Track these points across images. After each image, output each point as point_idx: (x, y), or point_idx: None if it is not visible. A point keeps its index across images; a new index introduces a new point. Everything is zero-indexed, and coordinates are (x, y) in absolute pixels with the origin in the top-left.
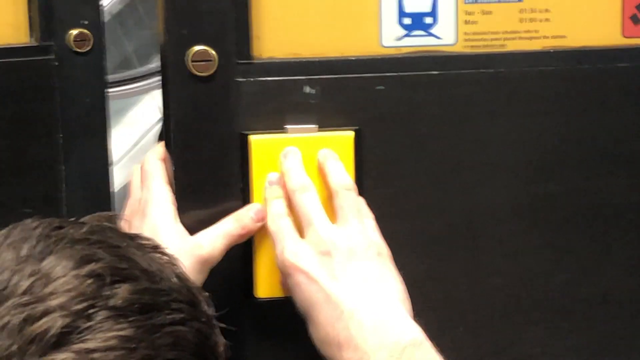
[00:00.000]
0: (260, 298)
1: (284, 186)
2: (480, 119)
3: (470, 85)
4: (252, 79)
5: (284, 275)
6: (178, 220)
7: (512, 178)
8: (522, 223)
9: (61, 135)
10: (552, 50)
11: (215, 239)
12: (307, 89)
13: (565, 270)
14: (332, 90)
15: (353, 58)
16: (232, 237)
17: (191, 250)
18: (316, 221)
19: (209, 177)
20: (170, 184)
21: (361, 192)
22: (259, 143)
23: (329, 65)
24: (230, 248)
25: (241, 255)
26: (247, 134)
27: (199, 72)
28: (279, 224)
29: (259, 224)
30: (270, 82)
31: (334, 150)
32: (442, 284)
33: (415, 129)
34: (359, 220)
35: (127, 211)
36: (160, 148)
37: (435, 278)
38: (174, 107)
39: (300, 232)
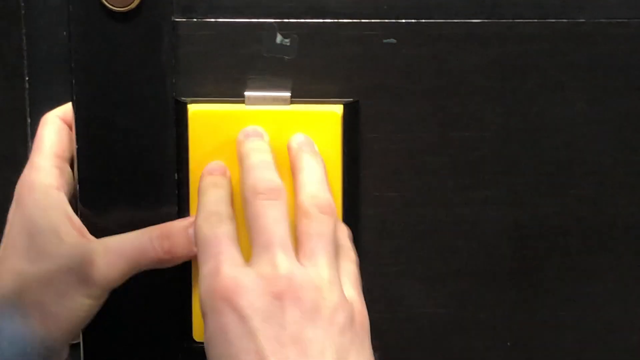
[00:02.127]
0: (199, 342)
1: (229, 176)
2: (548, 94)
3: (532, 42)
4: (196, 20)
5: (205, 308)
6: (69, 214)
7: (583, 188)
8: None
9: (27, 80)
10: None
11: (118, 258)
12: (279, 39)
13: None
14: (316, 42)
15: None
16: (147, 261)
17: (76, 267)
18: (278, 246)
19: (129, 159)
20: (72, 160)
21: (350, 200)
22: (200, 115)
23: (313, 3)
24: (140, 272)
25: (175, 285)
26: (185, 102)
27: (115, 5)
28: (215, 231)
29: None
30: (225, 26)
31: (313, 133)
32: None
33: (442, 106)
34: (331, 263)
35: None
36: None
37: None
38: (79, 56)
39: (245, 251)
